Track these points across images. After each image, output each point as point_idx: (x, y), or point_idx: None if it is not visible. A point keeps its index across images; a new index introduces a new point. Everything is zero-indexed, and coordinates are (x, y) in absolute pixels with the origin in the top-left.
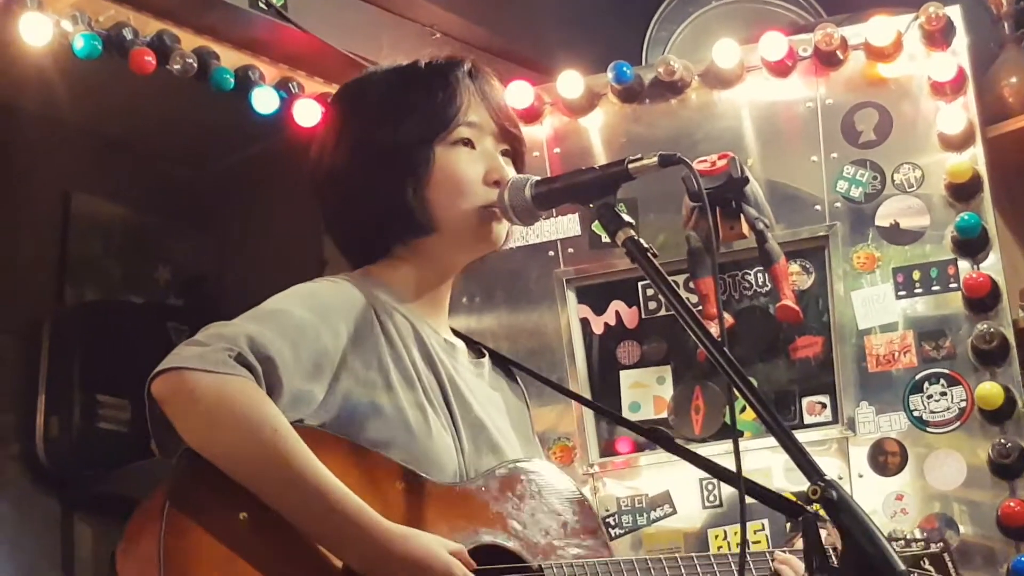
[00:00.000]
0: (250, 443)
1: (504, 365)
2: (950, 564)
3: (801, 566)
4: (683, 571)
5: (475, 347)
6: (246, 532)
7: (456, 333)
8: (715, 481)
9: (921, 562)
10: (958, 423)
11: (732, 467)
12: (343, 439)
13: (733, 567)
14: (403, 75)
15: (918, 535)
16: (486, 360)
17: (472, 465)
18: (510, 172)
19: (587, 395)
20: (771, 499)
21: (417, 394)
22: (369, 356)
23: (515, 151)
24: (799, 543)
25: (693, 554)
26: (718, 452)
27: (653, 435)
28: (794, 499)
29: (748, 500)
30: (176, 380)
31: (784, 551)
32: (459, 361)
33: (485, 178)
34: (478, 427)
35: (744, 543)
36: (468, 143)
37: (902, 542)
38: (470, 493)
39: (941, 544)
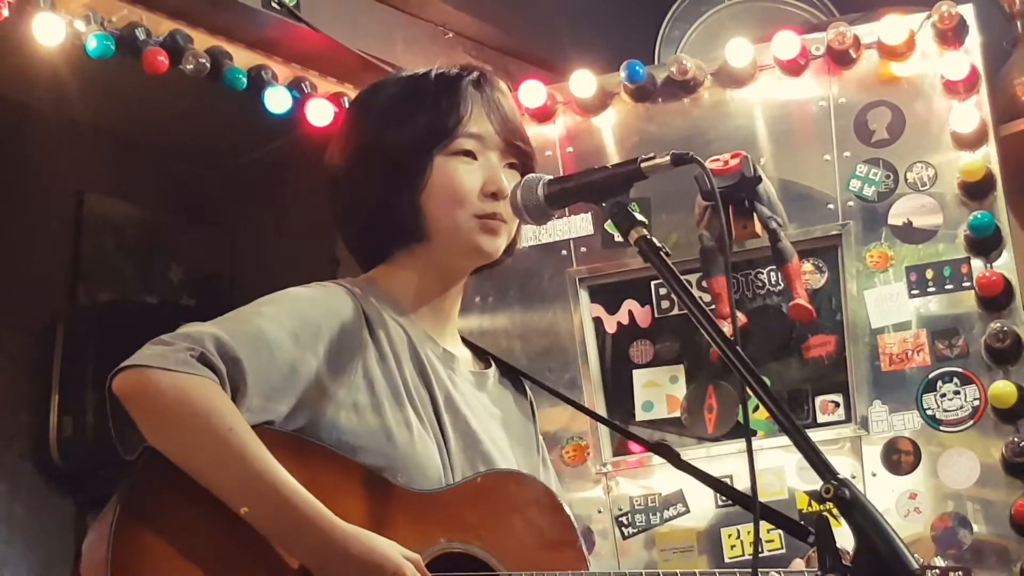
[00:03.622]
0: (206, 440)
1: (512, 375)
2: None
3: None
4: None
5: (483, 356)
6: (199, 531)
7: (465, 342)
8: (728, 480)
9: None
10: (971, 422)
11: (745, 465)
12: (311, 442)
13: None
14: (412, 83)
15: (938, 563)
16: (491, 371)
17: (459, 475)
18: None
19: (600, 394)
20: (781, 522)
21: (405, 411)
22: (352, 370)
23: (523, 165)
24: (796, 564)
25: (677, 570)
26: (731, 451)
27: (659, 450)
28: (806, 502)
29: (762, 497)
30: (136, 377)
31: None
32: (458, 373)
33: (483, 189)
34: (471, 439)
35: (757, 549)
36: (469, 154)
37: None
38: (444, 499)
39: (960, 573)
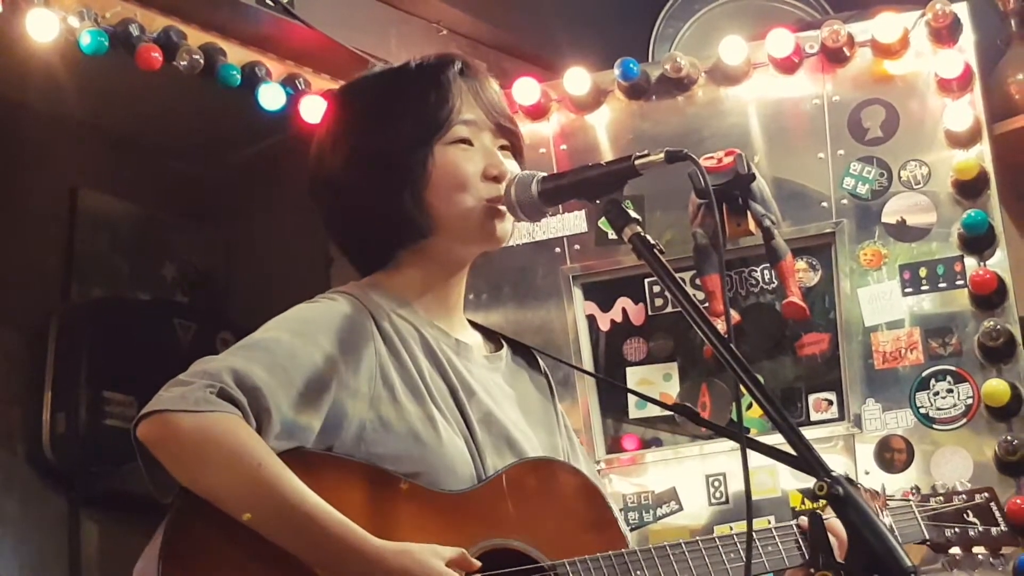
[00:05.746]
0: (236, 478)
1: (525, 355)
2: (997, 512)
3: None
4: (704, 554)
5: (494, 339)
6: (243, 567)
7: (474, 325)
8: (721, 478)
9: (965, 515)
10: (964, 420)
11: (739, 463)
12: (344, 458)
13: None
14: (394, 79)
15: (961, 487)
16: (504, 352)
17: (489, 464)
18: (510, 167)
19: (593, 391)
20: (779, 455)
21: (426, 406)
22: (369, 373)
23: (514, 146)
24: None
25: (714, 536)
26: (724, 449)
27: (680, 411)
28: (799, 500)
29: (755, 495)
30: (159, 423)
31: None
32: (471, 359)
33: (484, 173)
34: (493, 424)
35: (750, 544)
36: (465, 141)
37: (941, 498)
38: (479, 497)
39: (986, 495)
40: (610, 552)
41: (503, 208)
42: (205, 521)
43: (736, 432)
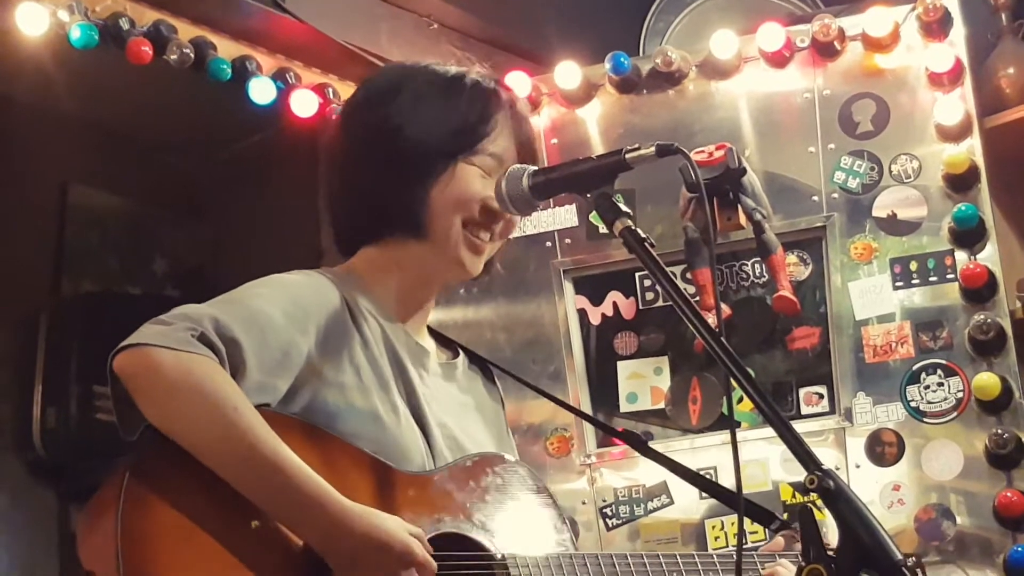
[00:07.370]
0: (210, 419)
1: (481, 364)
2: None
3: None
4: (648, 570)
5: (450, 346)
6: (205, 511)
7: (431, 332)
8: (712, 471)
9: None
10: (955, 413)
11: (729, 457)
12: (309, 425)
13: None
14: (447, 83)
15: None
16: (459, 360)
17: (441, 463)
18: None
19: (584, 386)
20: (759, 515)
21: (391, 395)
22: (340, 355)
23: None
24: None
25: (675, 554)
26: (715, 443)
27: (626, 438)
28: (790, 493)
29: (745, 489)
30: (138, 356)
31: (773, 554)
32: (427, 367)
33: (486, 203)
34: (445, 428)
35: (741, 541)
36: (487, 170)
37: None
38: (435, 482)
39: (913, 559)
40: (559, 553)
41: (480, 244)
42: (168, 464)
43: (681, 467)
